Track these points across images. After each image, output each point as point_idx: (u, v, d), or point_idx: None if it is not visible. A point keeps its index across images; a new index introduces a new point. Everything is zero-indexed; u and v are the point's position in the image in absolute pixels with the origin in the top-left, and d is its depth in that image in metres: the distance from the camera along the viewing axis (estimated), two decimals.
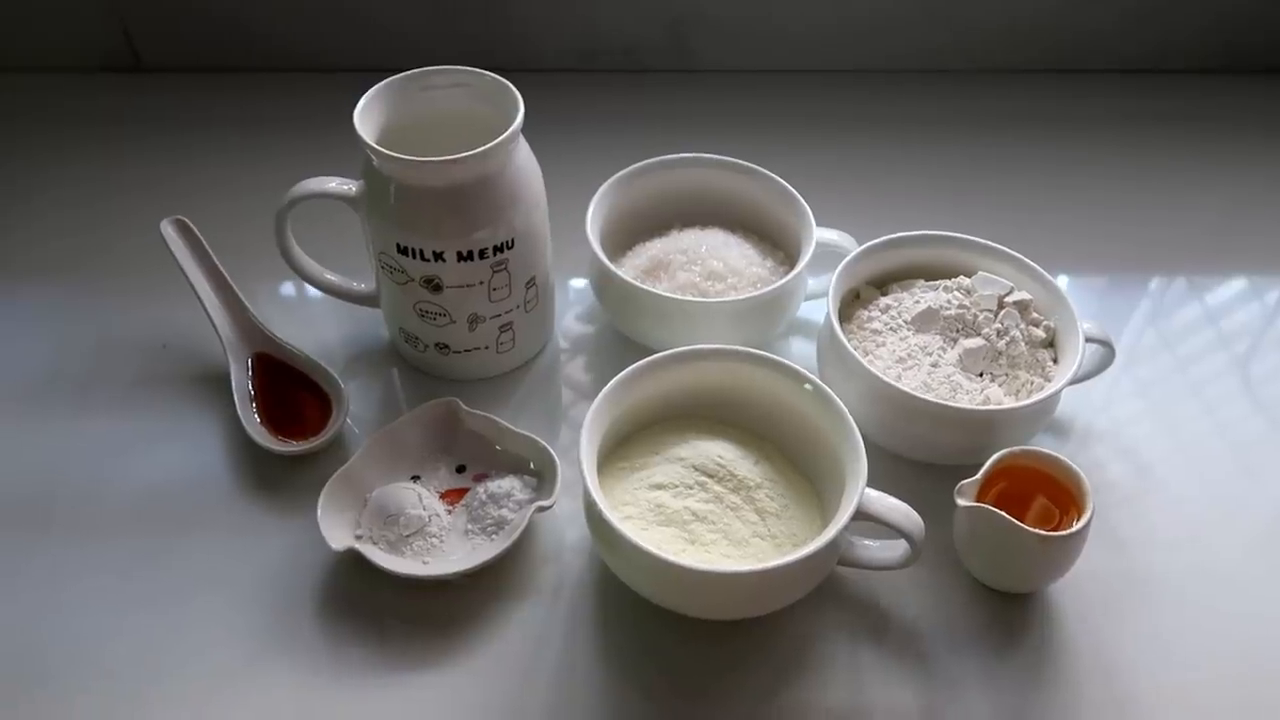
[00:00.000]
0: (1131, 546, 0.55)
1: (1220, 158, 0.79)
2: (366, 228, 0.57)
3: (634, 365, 0.52)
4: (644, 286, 0.59)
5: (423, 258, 0.55)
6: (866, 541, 0.51)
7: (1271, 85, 0.85)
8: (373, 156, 0.53)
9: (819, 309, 0.61)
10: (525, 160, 0.56)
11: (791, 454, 0.55)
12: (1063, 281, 0.70)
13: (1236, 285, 0.71)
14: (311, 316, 0.65)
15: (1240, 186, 0.78)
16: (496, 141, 0.52)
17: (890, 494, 0.50)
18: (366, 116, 0.54)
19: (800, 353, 0.64)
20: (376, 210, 0.55)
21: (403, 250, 0.55)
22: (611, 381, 0.51)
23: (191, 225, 0.62)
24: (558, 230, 0.61)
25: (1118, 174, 0.78)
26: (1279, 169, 0.79)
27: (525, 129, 0.55)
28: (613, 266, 0.59)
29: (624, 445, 0.55)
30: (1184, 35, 0.83)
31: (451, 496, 0.55)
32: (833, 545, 0.47)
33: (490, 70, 0.57)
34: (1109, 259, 0.72)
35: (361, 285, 0.62)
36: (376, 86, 0.55)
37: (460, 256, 0.55)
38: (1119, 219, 0.75)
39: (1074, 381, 0.56)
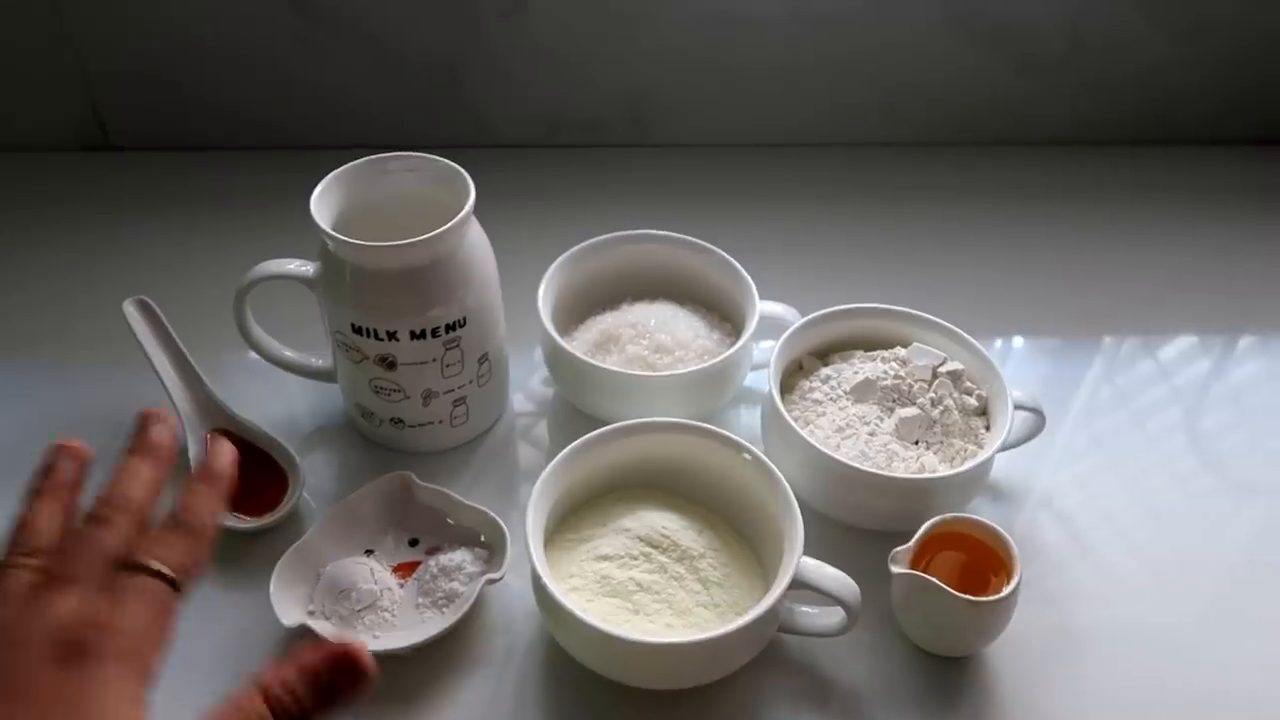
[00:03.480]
0: (1068, 607, 0.57)
1: (1153, 227, 0.83)
2: (323, 307, 0.59)
3: (578, 441, 0.54)
4: (593, 362, 0.61)
5: (377, 337, 0.57)
6: (805, 609, 0.53)
7: (1200, 156, 0.89)
8: (327, 240, 0.55)
9: (766, 379, 0.63)
10: (477, 241, 0.59)
11: (735, 523, 0.56)
12: (1016, 343, 0.73)
13: (1180, 346, 0.74)
14: (272, 392, 0.66)
15: (1171, 254, 0.81)
16: (447, 226, 0.55)
17: (831, 561, 0.51)
18: (323, 201, 0.56)
19: (749, 422, 0.66)
20: (332, 291, 0.57)
21: (357, 330, 0.57)
22: (556, 457, 0.53)
23: (153, 304, 0.64)
24: (520, 300, 0.63)
25: (1053, 243, 0.81)
26: (1204, 237, 0.82)
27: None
28: (563, 343, 0.62)
29: (573, 516, 0.56)
30: (1118, 108, 0.87)
31: (404, 570, 0.56)
32: (771, 613, 0.49)
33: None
34: (1046, 325, 0.75)
35: (319, 361, 0.64)
36: (334, 172, 0.58)
37: (413, 335, 0.57)
38: (1057, 286, 0.78)
39: (1005, 448, 0.58)
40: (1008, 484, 0.63)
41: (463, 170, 0.58)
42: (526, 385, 0.69)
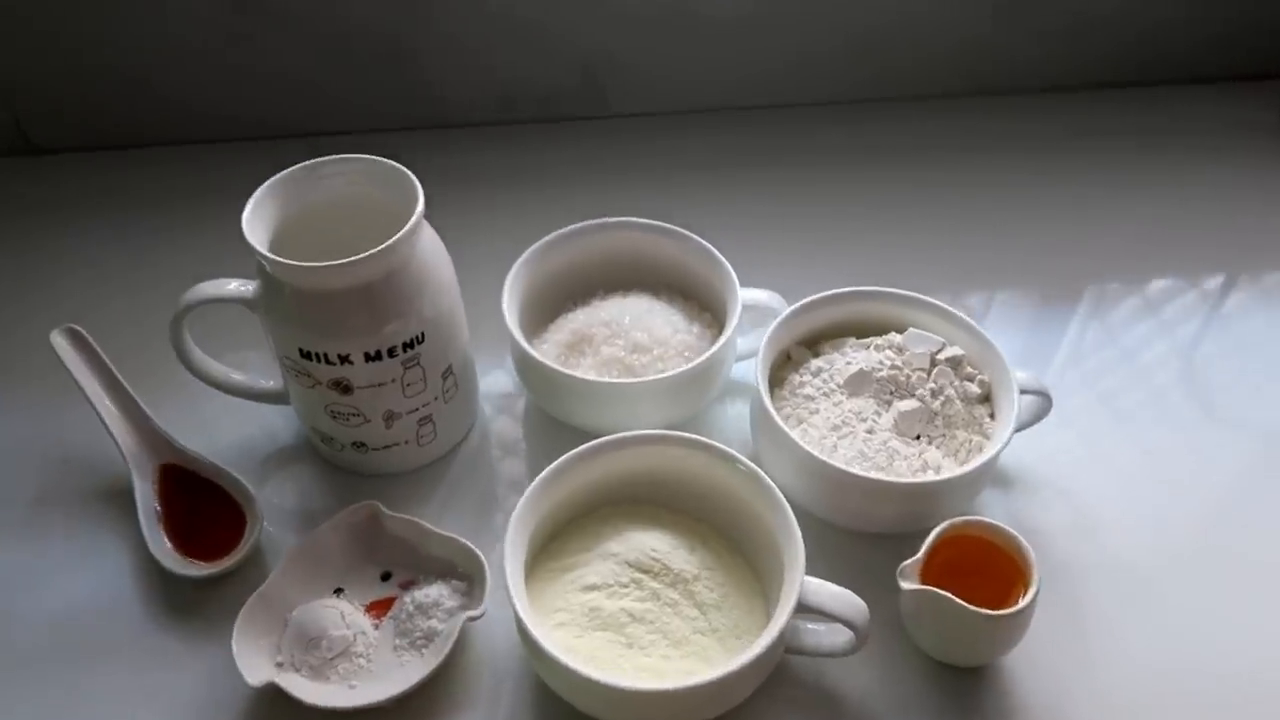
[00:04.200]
0: (1082, 590, 0.54)
1: (1138, 173, 0.79)
2: (267, 330, 0.54)
3: (553, 464, 0.50)
4: (565, 370, 0.56)
5: (328, 361, 0.52)
6: (812, 626, 0.49)
7: (1180, 96, 0.84)
8: (264, 263, 0.50)
9: (752, 369, 0.59)
10: (430, 246, 0.54)
11: (728, 534, 0.53)
12: (1007, 299, 0.70)
13: (1171, 290, 0.71)
14: (223, 418, 0.61)
15: (1159, 199, 0.77)
16: (395, 239, 0.50)
17: (834, 570, 0.48)
18: (257, 217, 0.51)
19: (737, 415, 0.62)
20: (274, 313, 0.52)
21: (306, 355, 0.52)
22: (532, 484, 0.49)
23: (84, 333, 0.59)
24: (484, 295, 0.59)
25: (1036, 195, 0.77)
26: (1192, 178, 0.78)
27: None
28: (532, 351, 0.57)
29: (556, 542, 0.52)
30: (1093, 52, 0.83)
31: (378, 609, 0.52)
32: (776, 643, 0.45)
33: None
34: (1035, 280, 0.71)
35: (270, 383, 0.59)
36: (265, 184, 0.52)
37: (368, 357, 0.52)
38: (1045, 238, 0.74)
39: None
40: (1016, 469, 0.59)
41: (408, 172, 0.53)
42: (497, 389, 0.64)
